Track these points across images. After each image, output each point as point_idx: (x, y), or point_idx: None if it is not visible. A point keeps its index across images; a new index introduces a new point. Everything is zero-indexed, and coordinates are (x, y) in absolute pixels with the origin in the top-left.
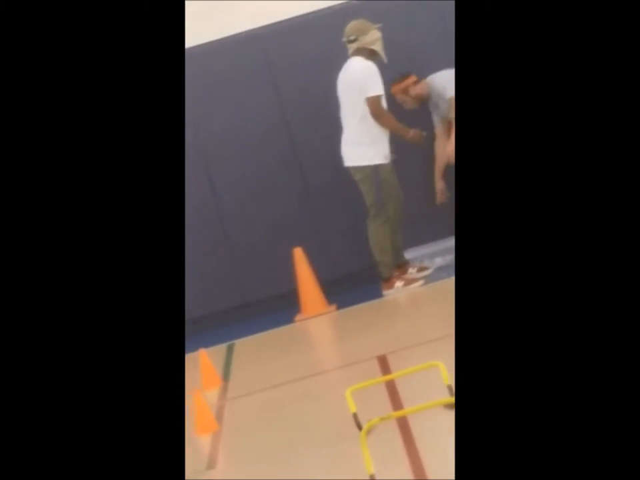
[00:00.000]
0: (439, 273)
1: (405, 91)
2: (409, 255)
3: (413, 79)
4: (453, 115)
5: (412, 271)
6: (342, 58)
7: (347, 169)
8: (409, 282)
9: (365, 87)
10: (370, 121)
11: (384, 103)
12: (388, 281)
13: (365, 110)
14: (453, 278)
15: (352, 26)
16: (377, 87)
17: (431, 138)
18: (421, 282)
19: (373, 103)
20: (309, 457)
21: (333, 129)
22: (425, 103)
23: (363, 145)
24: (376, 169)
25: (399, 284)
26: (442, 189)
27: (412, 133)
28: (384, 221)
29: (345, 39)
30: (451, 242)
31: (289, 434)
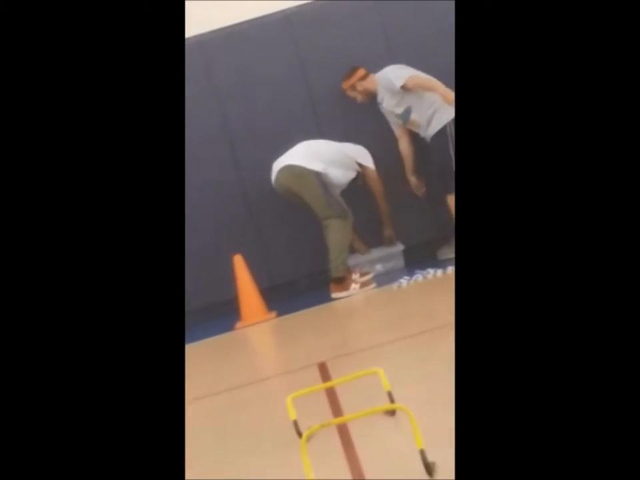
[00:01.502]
0: (378, 280)
1: (353, 87)
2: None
3: (361, 72)
4: (400, 110)
5: (355, 277)
6: (284, 66)
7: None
8: (364, 284)
9: None
10: None
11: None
12: (341, 283)
13: None
14: (392, 285)
15: None
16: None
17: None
18: (373, 285)
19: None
20: (249, 465)
21: (273, 137)
22: (375, 100)
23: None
24: (319, 175)
25: (355, 286)
26: (416, 184)
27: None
28: (347, 219)
29: None
30: (390, 249)
31: (228, 441)
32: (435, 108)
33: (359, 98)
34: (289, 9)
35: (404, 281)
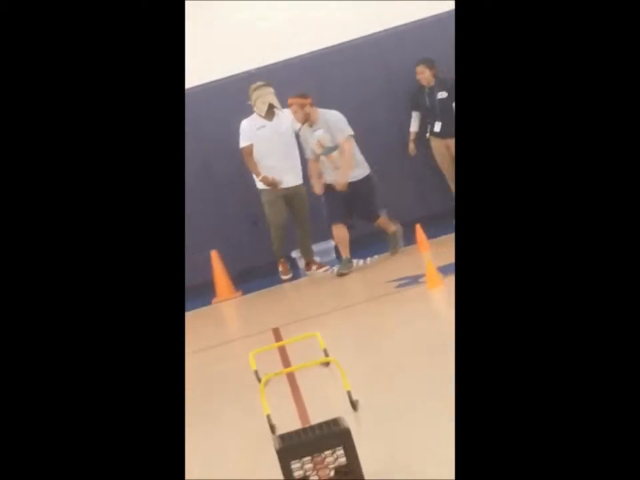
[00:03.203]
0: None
1: (302, 106)
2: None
3: (309, 100)
4: (330, 144)
5: (313, 267)
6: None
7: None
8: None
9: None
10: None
11: (254, 151)
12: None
13: None
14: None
15: None
16: (242, 141)
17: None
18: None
19: (242, 153)
20: (224, 402)
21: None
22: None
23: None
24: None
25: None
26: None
27: (261, 178)
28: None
29: None
30: (325, 245)
31: (209, 386)
32: (360, 159)
33: (299, 117)
34: (258, 68)
35: (336, 268)
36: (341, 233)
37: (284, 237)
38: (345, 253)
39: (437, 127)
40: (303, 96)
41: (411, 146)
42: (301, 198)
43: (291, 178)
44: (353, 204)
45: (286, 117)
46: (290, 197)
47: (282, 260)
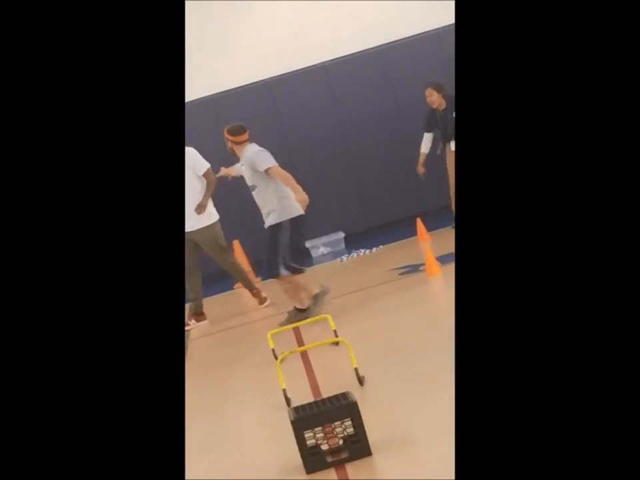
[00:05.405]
0: (327, 257)
1: (228, 142)
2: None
3: (243, 137)
4: (249, 182)
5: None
6: (268, 117)
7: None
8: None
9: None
10: None
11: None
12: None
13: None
14: (337, 260)
15: None
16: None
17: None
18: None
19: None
20: (244, 375)
21: None
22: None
23: None
24: None
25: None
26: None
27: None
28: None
29: None
30: (335, 236)
31: (232, 362)
32: (281, 204)
33: (229, 149)
34: (271, 77)
35: (345, 257)
36: (285, 284)
37: (194, 284)
38: (295, 302)
39: (453, 145)
40: (236, 132)
41: (420, 169)
42: (204, 242)
43: (191, 222)
44: (292, 240)
45: (186, 158)
46: (195, 242)
47: (254, 291)
